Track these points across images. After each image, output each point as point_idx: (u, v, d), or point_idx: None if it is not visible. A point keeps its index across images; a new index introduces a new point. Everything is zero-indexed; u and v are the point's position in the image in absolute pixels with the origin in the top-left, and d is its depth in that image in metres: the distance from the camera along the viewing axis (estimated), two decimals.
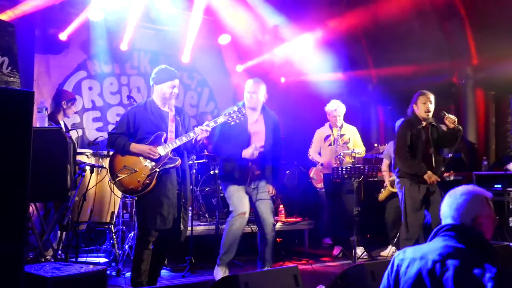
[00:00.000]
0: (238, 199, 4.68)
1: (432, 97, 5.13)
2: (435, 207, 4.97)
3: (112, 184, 4.00)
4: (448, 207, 2.18)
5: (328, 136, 6.39)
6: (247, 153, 4.64)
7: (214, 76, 8.24)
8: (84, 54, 7.11)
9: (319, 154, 6.48)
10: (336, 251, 6.33)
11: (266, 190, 4.77)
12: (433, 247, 2.09)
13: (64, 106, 6.00)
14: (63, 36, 6.53)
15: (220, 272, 4.63)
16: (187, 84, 8.06)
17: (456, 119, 5.05)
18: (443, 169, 5.62)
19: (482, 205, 2.14)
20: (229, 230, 4.66)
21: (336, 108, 6.24)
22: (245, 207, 4.69)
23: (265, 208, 4.71)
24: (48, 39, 6.58)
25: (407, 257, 2.15)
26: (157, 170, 3.92)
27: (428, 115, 5.12)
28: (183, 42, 7.44)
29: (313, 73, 7.88)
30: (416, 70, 7.58)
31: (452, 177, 6.54)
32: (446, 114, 5.06)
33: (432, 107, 5.11)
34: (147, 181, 3.89)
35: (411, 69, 7.63)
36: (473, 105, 7.52)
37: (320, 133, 6.49)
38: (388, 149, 6.53)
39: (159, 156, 3.92)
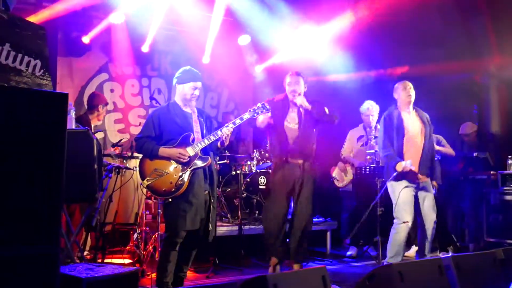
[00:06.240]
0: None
1: None
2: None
3: (142, 187, 3.99)
4: None
5: (361, 137, 6.30)
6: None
7: (234, 76, 8.24)
8: (105, 56, 7.17)
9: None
10: (350, 251, 6.27)
11: None
12: None
13: (100, 110, 5.93)
14: (86, 39, 6.60)
15: None
16: (207, 85, 8.08)
17: None
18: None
19: None
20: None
21: (368, 107, 6.18)
22: None
23: None
24: (70, 42, 6.64)
25: None
26: (189, 170, 3.92)
27: None
28: (203, 43, 7.48)
29: (334, 72, 7.81)
30: (438, 69, 7.48)
31: (477, 176, 6.45)
32: None
33: None
34: (180, 182, 3.88)
35: (433, 67, 7.53)
36: (496, 104, 7.40)
37: (353, 133, 6.40)
38: None
39: (188, 158, 3.93)
